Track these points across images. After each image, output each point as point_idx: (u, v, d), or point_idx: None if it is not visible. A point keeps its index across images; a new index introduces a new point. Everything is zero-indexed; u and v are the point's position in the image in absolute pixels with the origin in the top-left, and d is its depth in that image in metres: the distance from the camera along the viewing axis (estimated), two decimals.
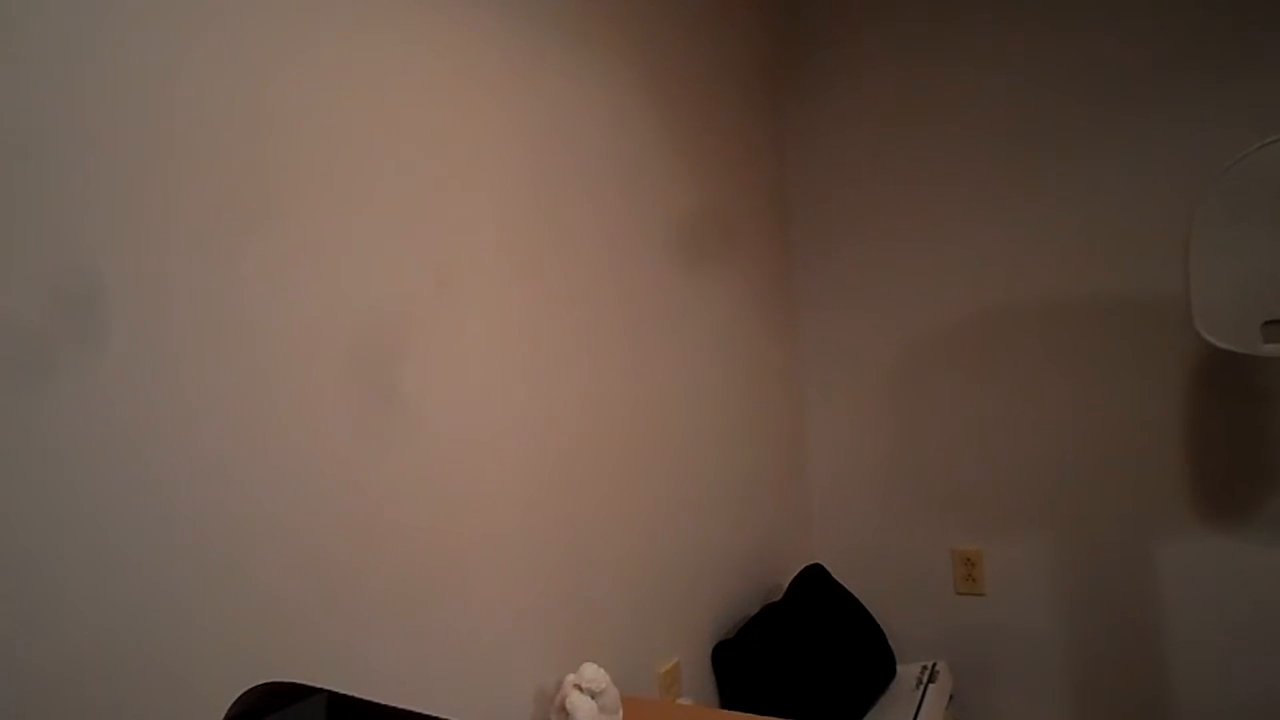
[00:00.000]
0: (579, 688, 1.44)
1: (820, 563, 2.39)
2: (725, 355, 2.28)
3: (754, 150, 2.52)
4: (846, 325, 2.64)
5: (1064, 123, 2.34)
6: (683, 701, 1.89)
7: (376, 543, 1.25)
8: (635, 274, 1.92)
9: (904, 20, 2.52)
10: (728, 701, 2.04)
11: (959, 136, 2.46)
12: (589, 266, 1.77)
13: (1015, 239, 2.41)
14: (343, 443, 1.20)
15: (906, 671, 2.25)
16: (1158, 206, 2.23)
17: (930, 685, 2.16)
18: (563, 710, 1.44)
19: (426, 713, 0.68)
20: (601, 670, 1.45)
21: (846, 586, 2.46)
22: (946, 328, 2.51)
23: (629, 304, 1.89)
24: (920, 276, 2.53)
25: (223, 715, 0.69)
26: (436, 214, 1.39)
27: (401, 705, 1.18)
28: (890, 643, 2.28)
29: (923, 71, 2.50)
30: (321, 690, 0.69)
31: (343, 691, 0.71)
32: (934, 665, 2.26)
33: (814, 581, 2.28)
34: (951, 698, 2.22)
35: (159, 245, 1.01)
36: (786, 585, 2.28)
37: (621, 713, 1.47)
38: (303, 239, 1.16)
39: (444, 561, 1.37)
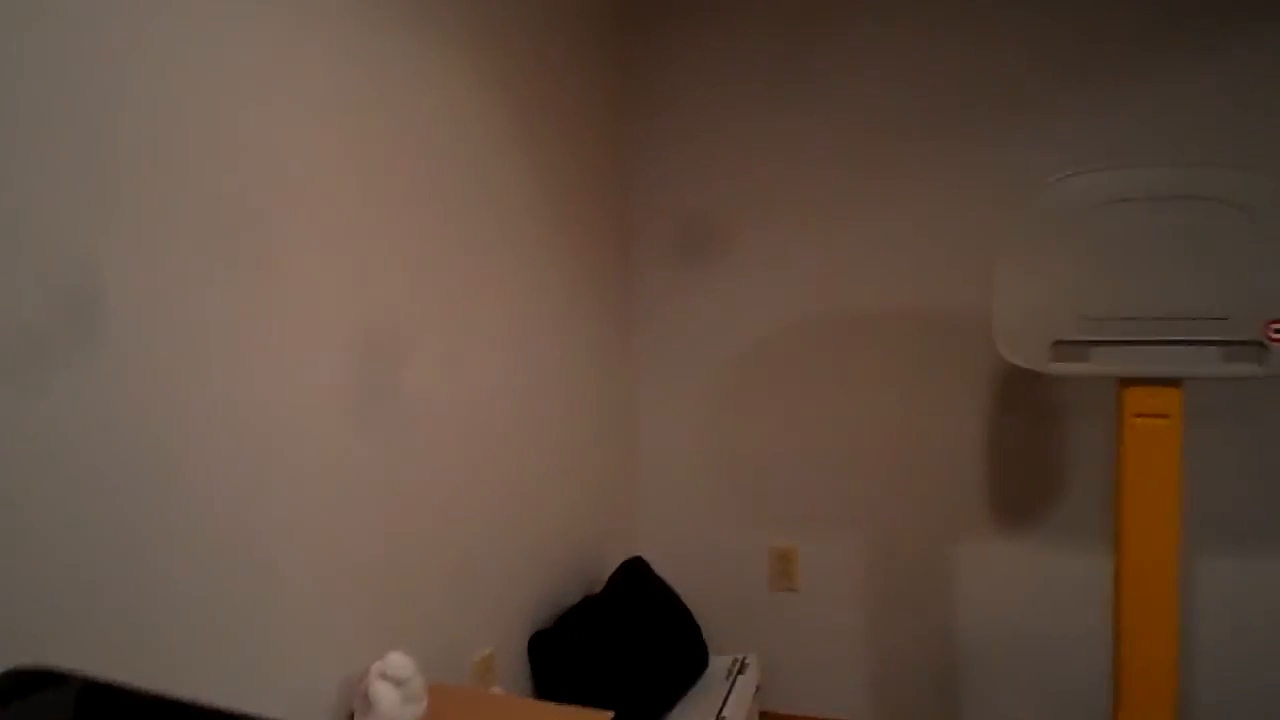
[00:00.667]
0: (384, 676, 1.41)
1: (642, 556, 2.43)
2: (557, 351, 2.28)
3: (599, 148, 2.53)
4: (681, 327, 2.70)
5: (890, 154, 2.47)
6: (495, 691, 1.88)
7: (175, 521, 1.18)
8: (466, 267, 1.90)
9: (747, 48, 2.59)
10: (543, 692, 2.05)
11: (796, 159, 2.55)
12: (419, 259, 1.73)
13: (844, 255, 2.52)
14: (155, 423, 1.13)
15: (719, 663, 2.31)
16: (973, 233, 2.38)
17: (739, 677, 2.23)
18: (365, 698, 1.41)
19: (200, 701, 0.65)
20: (407, 658, 1.43)
21: (667, 580, 2.51)
22: (775, 334, 2.59)
23: (457, 296, 1.86)
24: (753, 283, 2.61)
25: None
26: (258, 212, 1.33)
27: (197, 692, 1.13)
28: (705, 635, 2.33)
29: (763, 104, 2.58)
30: (73, 676, 0.65)
31: (108, 679, 0.67)
32: (744, 658, 2.33)
33: (634, 574, 2.31)
34: (759, 689, 2.30)
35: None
36: (608, 578, 2.30)
37: (426, 701, 1.45)
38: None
39: (245, 546, 1.31)
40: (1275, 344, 1.73)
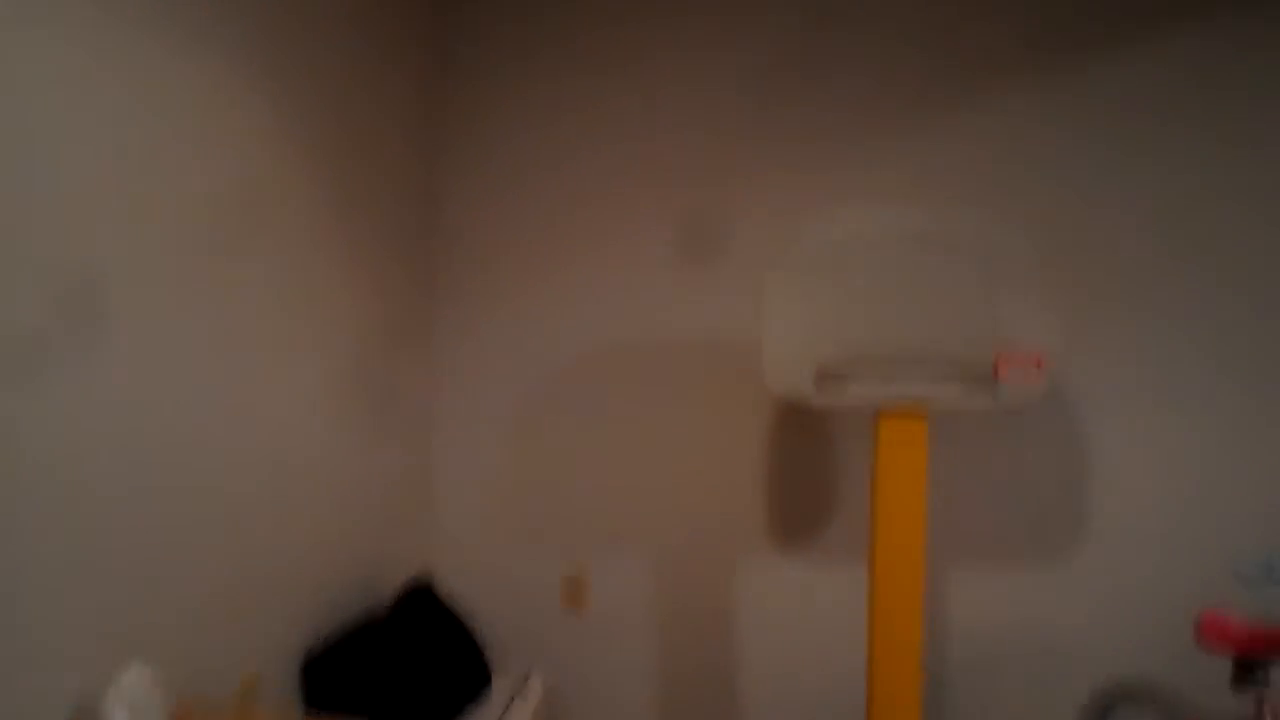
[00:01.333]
0: (116, 698, 1.35)
1: (430, 575, 2.42)
2: (345, 369, 2.25)
3: (402, 169, 2.53)
4: (482, 350, 2.71)
5: (666, 191, 2.59)
6: (258, 712, 1.82)
7: None
8: (243, 283, 1.86)
9: (549, 70, 2.66)
10: (314, 712, 2.00)
11: (591, 199, 2.65)
12: (204, 274, 1.69)
13: (634, 287, 2.62)
14: None
15: (502, 684, 2.32)
16: (756, 268, 2.51)
17: (517, 698, 2.24)
18: None
19: None
20: (145, 675, 1.38)
21: (460, 601, 2.51)
22: (574, 361, 2.65)
23: (233, 314, 1.83)
24: (553, 311, 2.67)
25: None
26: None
27: None
28: (495, 656, 2.34)
29: (566, 128, 2.66)
30: None
31: None
32: (527, 677, 2.35)
33: (419, 595, 2.29)
34: (540, 707, 2.32)
35: None
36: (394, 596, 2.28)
37: None
38: None
39: None
40: (1004, 380, 1.92)
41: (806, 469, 2.53)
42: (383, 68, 2.40)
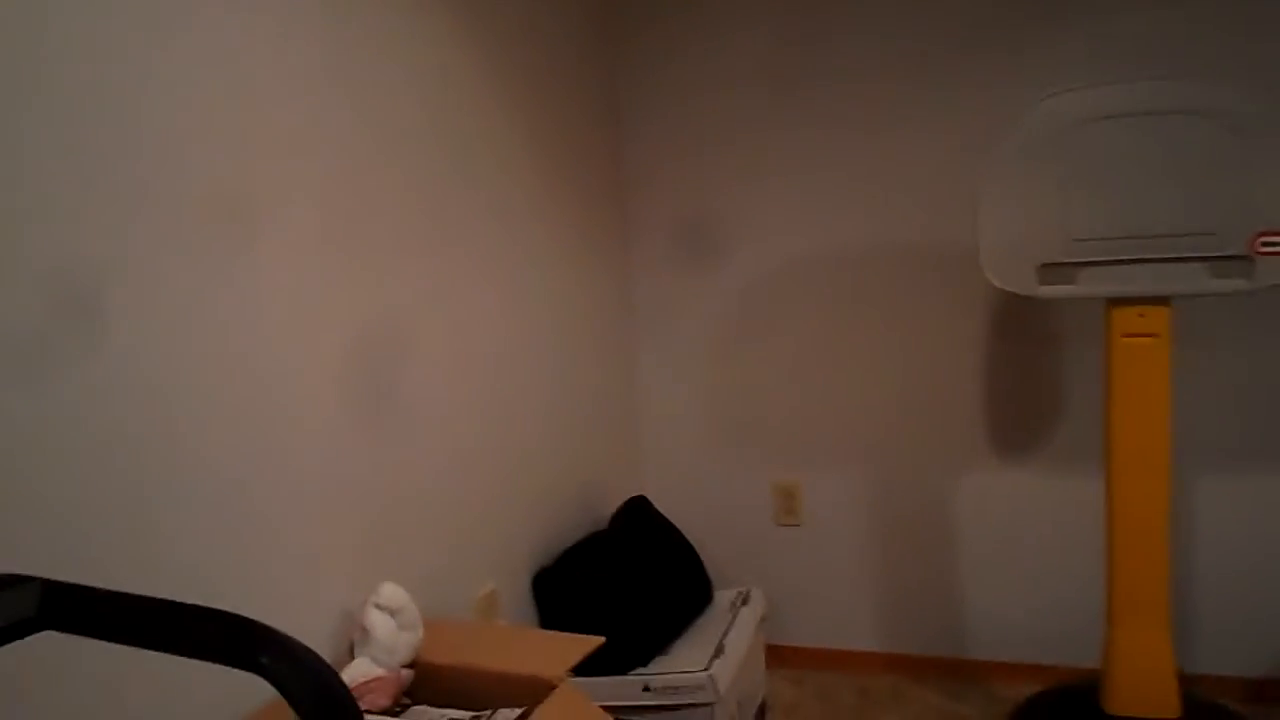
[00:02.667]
0: (378, 606, 1.46)
1: (645, 495, 2.47)
2: (556, 297, 2.31)
3: (588, 111, 2.54)
4: (678, 270, 2.71)
5: (870, 96, 2.45)
6: (497, 624, 1.93)
7: (187, 425, 1.24)
8: (461, 225, 1.92)
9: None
10: (547, 627, 2.10)
11: (785, 104, 2.54)
12: (417, 217, 1.76)
13: (832, 194, 2.51)
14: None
15: (723, 597, 2.35)
16: (957, 167, 2.36)
17: (743, 608, 2.27)
18: (362, 629, 1.46)
19: (158, 597, 0.68)
20: (400, 589, 1.48)
21: (671, 519, 2.55)
22: (771, 277, 2.60)
23: (452, 253, 1.89)
24: (746, 226, 2.61)
25: None
26: (251, 188, 1.36)
27: None
28: (710, 571, 2.38)
29: (755, 43, 2.55)
30: (35, 578, 0.69)
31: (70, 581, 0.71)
32: (747, 591, 2.37)
33: (637, 512, 2.35)
34: (763, 620, 2.34)
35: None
36: (611, 516, 2.35)
37: (422, 630, 1.50)
38: None
39: (249, 479, 1.36)
40: (1262, 257, 1.72)
41: (1029, 371, 2.39)
42: (572, 26, 2.40)
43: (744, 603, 2.31)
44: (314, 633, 1.49)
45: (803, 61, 2.50)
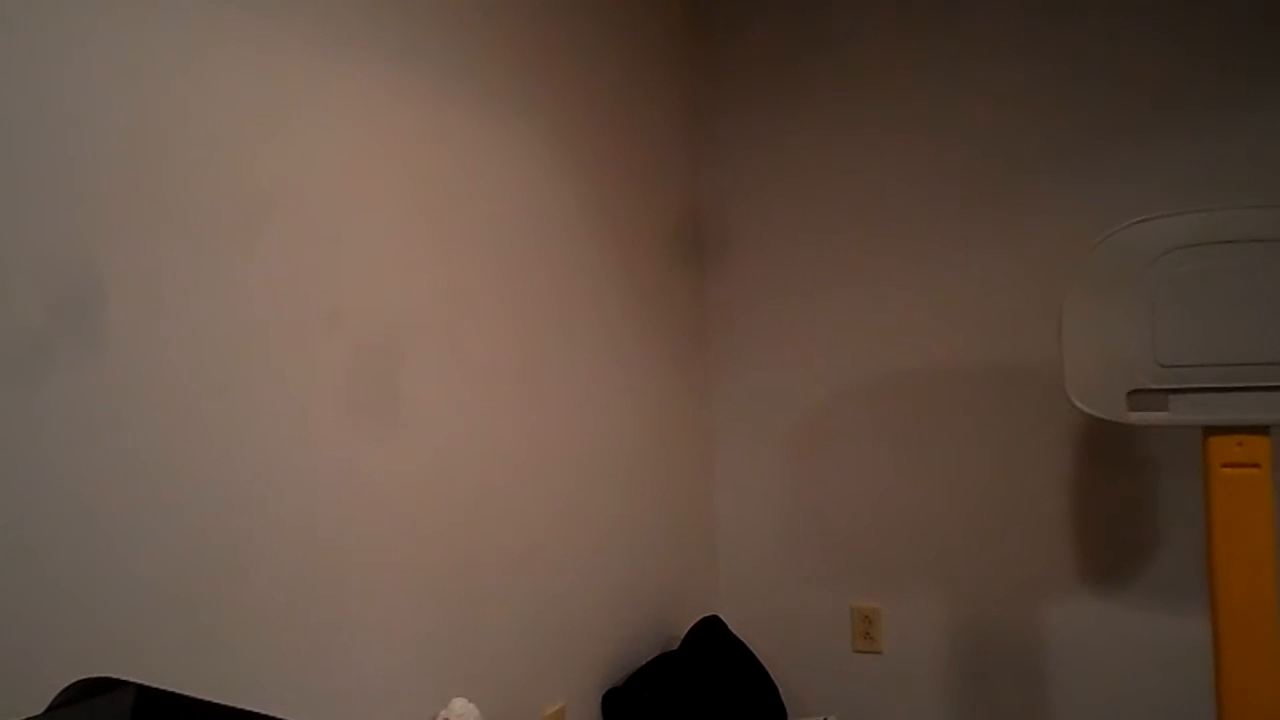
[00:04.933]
0: None
1: (719, 615, 2.42)
2: (636, 409, 2.33)
3: (668, 208, 2.60)
4: (758, 384, 2.71)
5: (950, 215, 2.47)
6: None
7: (258, 551, 1.26)
8: (543, 329, 1.97)
9: (814, 96, 2.64)
10: None
11: (866, 224, 2.57)
12: (496, 319, 1.82)
13: (917, 312, 2.51)
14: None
15: None
16: (1041, 285, 2.35)
17: None
18: None
19: (251, 709, 0.70)
20: (471, 705, 1.47)
21: (745, 640, 2.49)
22: (851, 391, 2.59)
23: (534, 355, 1.93)
24: (828, 341, 2.61)
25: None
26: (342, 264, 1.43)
27: None
28: (785, 698, 2.30)
29: (833, 156, 2.62)
30: (130, 683, 0.71)
31: (164, 687, 0.72)
32: (826, 719, 2.28)
33: (710, 633, 2.30)
34: None
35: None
36: (684, 636, 2.30)
37: None
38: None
39: (326, 586, 1.37)
40: None
41: (1119, 499, 2.30)
42: (652, 125, 2.49)
43: None
44: None
45: (888, 170, 2.54)
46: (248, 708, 0.70)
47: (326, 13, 1.43)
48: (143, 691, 0.70)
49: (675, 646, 2.28)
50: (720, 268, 2.76)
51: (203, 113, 1.22)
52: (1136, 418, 1.81)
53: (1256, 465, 1.77)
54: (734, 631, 2.37)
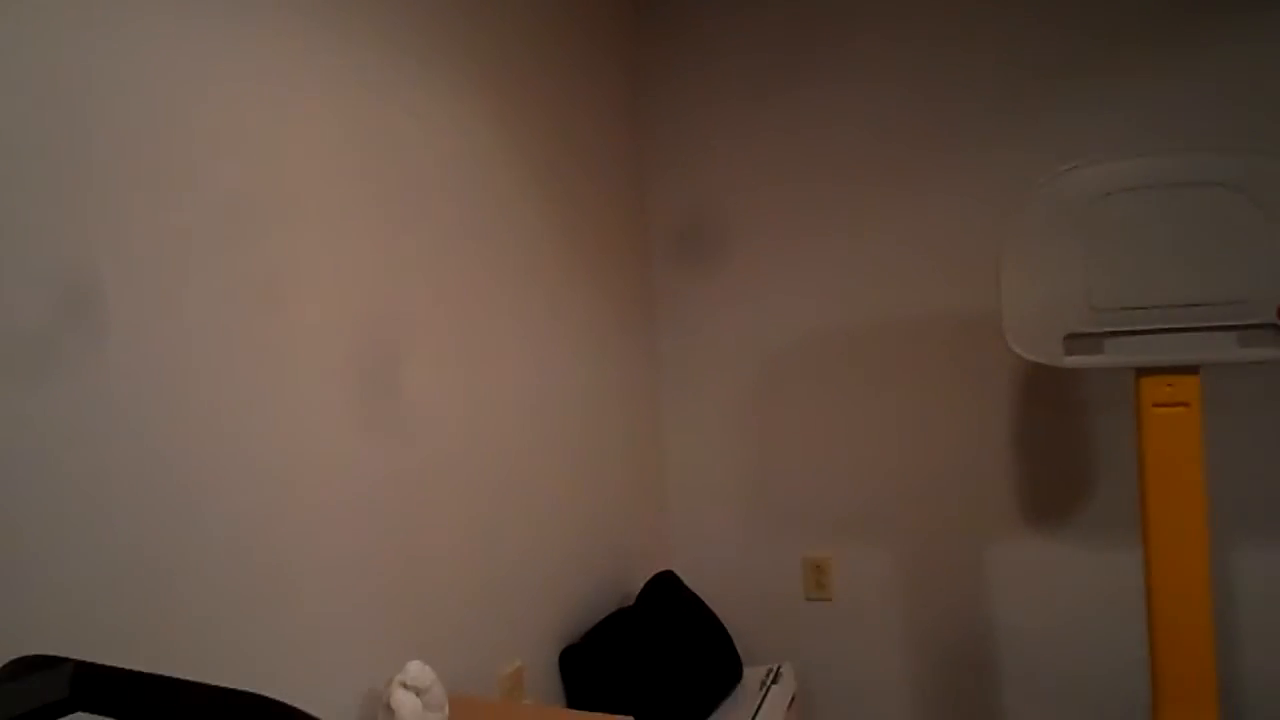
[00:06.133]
0: (404, 685, 1.44)
1: (673, 570, 2.45)
2: (581, 366, 2.33)
3: (613, 173, 2.58)
4: (703, 339, 2.72)
5: (895, 161, 2.49)
6: (524, 703, 1.91)
7: (203, 534, 1.24)
8: (486, 294, 1.95)
9: (757, 59, 2.63)
10: (574, 705, 2.07)
11: (810, 175, 2.58)
12: (441, 283, 1.79)
13: (858, 263, 2.53)
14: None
15: (752, 674, 2.31)
16: (980, 232, 2.38)
17: (773, 686, 2.23)
18: (388, 708, 1.44)
19: (188, 679, 0.69)
20: (427, 668, 1.47)
21: (700, 594, 2.52)
22: (797, 345, 2.61)
23: (478, 320, 1.92)
24: (772, 292, 2.63)
25: None
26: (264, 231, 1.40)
27: None
28: (739, 647, 2.34)
29: (772, 110, 2.61)
30: (68, 660, 0.70)
31: (101, 663, 0.72)
32: (778, 668, 2.33)
33: (665, 588, 2.33)
34: (794, 699, 2.29)
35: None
36: (639, 591, 2.32)
37: (448, 710, 1.48)
38: None
39: (270, 558, 1.36)
40: None
41: (1058, 440, 2.37)
42: (588, 55, 2.47)
43: (774, 681, 2.27)
44: (338, 710, 1.48)
45: (829, 120, 2.55)
46: (189, 677, 0.69)
47: None
48: (80, 667, 0.70)
49: (631, 603, 2.31)
50: (663, 228, 2.76)
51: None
52: (1072, 361, 1.86)
53: (1186, 404, 1.83)
54: (688, 585, 2.40)
